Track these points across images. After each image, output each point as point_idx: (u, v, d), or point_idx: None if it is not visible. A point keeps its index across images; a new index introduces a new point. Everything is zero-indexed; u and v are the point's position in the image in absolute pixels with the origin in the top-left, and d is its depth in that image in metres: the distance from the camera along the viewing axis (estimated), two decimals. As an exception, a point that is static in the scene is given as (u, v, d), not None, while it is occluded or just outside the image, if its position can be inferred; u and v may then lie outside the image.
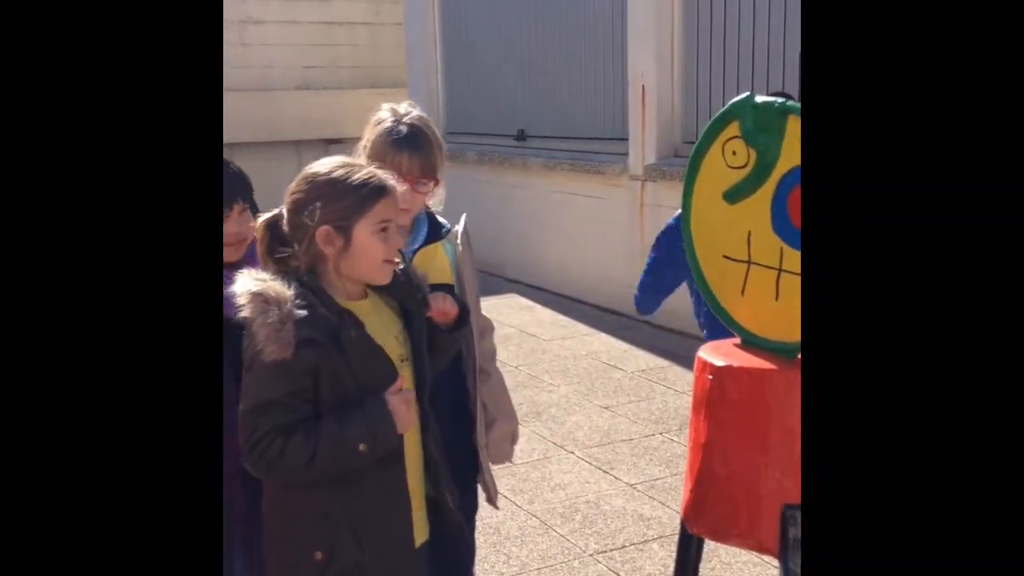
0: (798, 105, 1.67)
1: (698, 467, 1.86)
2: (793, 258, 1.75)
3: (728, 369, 1.78)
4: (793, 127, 1.67)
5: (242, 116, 8.63)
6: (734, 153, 1.78)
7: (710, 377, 1.82)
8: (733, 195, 1.80)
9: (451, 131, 8.03)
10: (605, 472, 3.67)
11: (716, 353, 1.85)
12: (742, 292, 1.85)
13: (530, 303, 6.52)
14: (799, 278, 1.74)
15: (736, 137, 1.77)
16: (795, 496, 1.75)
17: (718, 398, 1.80)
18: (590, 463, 3.79)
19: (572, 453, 3.90)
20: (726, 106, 1.78)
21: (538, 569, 2.97)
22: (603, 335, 5.59)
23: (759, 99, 1.72)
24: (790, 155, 1.70)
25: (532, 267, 6.97)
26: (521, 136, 7.25)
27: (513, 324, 5.89)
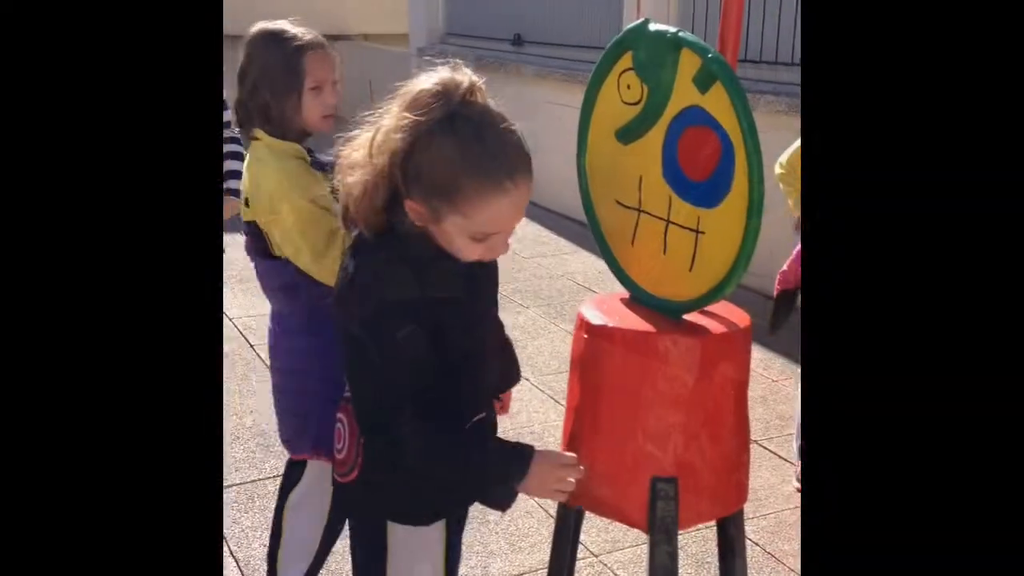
0: (692, 37, 1.50)
1: (569, 431, 1.72)
2: (681, 209, 1.58)
3: (603, 329, 1.63)
4: (686, 63, 1.50)
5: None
6: (628, 87, 1.61)
7: (585, 336, 1.67)
8: (625, 135, 1.64)
9: (450, 33, 8.13)
10: (556, 402, 3.55)
11: (597, 310, 1.70)
12: (632, 242, 1.70)
13: None
14: (687, 231, 1.58)
15: (630, 69, 1.60)
16: (666, 468, 1.61)
17: (591, 359, 1.66)
18: (543, 391, 3.69)
19: (527, 380, 3.79)
20: (621, 32, 1.61)
21: (473, 501, 2.88)
22: (584, 254, 5.51)
23: (653, 27, 1.55)
24: (682, 95, 1.53)
25: None
26: (518, 41, 7.15)
27: (494, 239, 5.80)
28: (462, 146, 1.37)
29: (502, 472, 1.50)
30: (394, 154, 1.38)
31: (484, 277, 1.62)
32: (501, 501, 1.55)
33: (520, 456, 1.51)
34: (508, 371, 1.80)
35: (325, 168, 2.01)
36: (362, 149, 1.45)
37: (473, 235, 1.43)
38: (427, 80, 1.40)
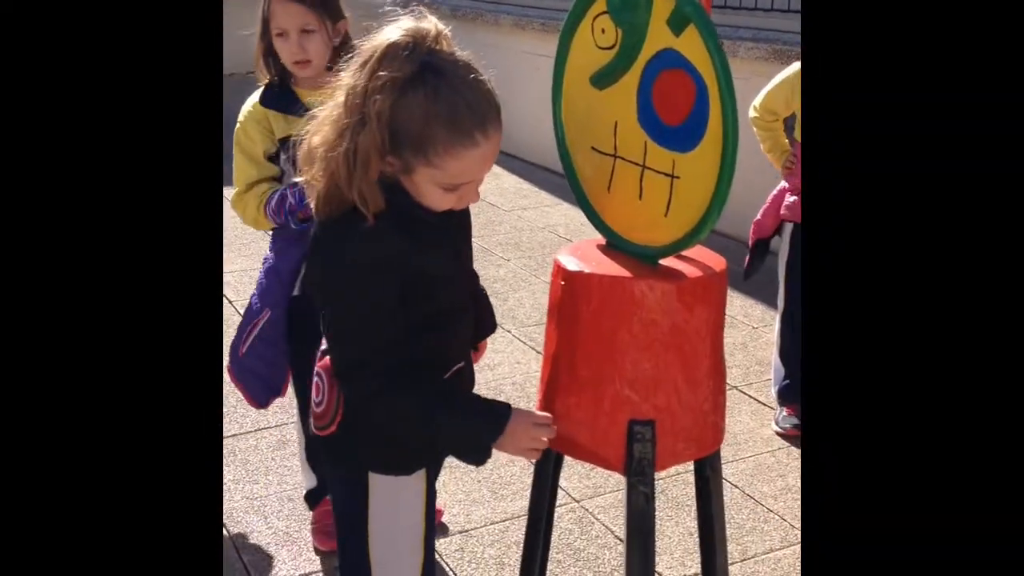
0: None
1: (547, 378, 1.73)
2: (656, 154, 1.58)
3: (579, 275, 1.64)
4: (660, 5, 1.49)
5: None
6: (603, 31, 1.60)
7: (562, 283, 1.67)
8: (600, 80, 1.63)
9: None
10: (538, 353, 3.58)
11: (573, 256, 1.70)
12: (608, 188, 1.70)
13: (498, 170, 6.40)
14: (662, 176, 1.58)
15: (604, 13, 1.58)
16: (643, 411, 1.62)
17: (568, 305, 1.66)
18: (525, 342, 3.72)
19: (509, 332, 3.83)
20: (594, -24, 1.59)
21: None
22: (565, 206, 5.53)
23: (625, -31, 1.53)
24: (656, 37, 1.52)
25: (504, 132, 6.74)
26: None
27: (474, 193, 5.81)
28: (433, 99, 1.36)
29: (476, 432, 1.52)
30: (380, 115, 1.36)
31: (460, 229, 1.62)
32: (476, 457, 1.57)
33: (496, 415, 1.53)
34: (483, 321, 1.81)
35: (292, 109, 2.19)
36: (328, 125, 1.42)
37: (444, 185, 1.44)
38: (395, 32, 1.38)
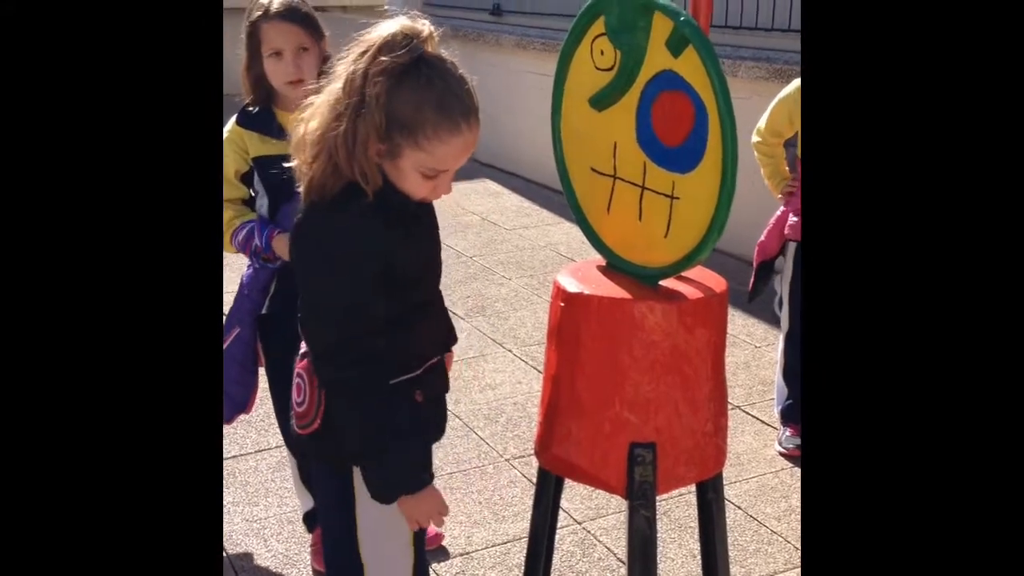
0: (664, 0, 1.48)
1: (547, 398, 1.72)
2: (656, 175, 1.58)
3: (579, 297, 1.63)
4: (659, 26, 1.49)
5: None
6: (602, 53, 1.60)
7: (562, 304, 1.66)
8: (599, 101, 1.62)
9: (429, 3, 8.07)
10: (540, 372, 3.56)
11: (573, 277, 1.69)
12: (608, 209, 1.69)
13: (500, 188, 6.39)
14: (662, 197, 1.58)
15: (603, 35, 1.58)
16: (644, 434, 1.61)
17: (568, 326, 1.65)
18: (526, 362, 3.70)
19: (510, 351, 3.81)
20: (591, -1, 1.59)
21: (450, 473, 2.90)
22: (567, 225, 5.51)
23: (625, -10, 1.53)
24: (655, 59, 1.51)
25: (505, 151, 6.78)
26: (497, 11, 7.15)
27: (476, 211, 5.79)
28: (427, 87, 1.46)
29: (399, 474, 1.53)
30: (378, 98, 1.44)
31: (434, 225, 1.66)
32: (382, 494, 1.55)
33: (425, 476, 1.55)
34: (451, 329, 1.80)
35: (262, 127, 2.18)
36: (326, 108, 1.48)
37: (425, 171, 1.50)
38: (393, 25, 1.48)
